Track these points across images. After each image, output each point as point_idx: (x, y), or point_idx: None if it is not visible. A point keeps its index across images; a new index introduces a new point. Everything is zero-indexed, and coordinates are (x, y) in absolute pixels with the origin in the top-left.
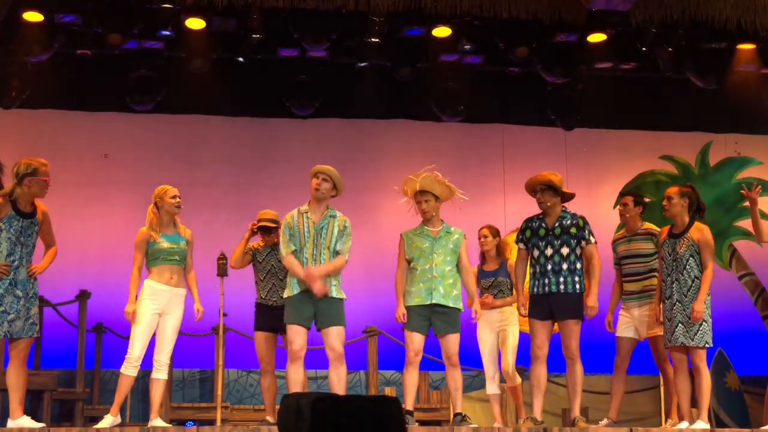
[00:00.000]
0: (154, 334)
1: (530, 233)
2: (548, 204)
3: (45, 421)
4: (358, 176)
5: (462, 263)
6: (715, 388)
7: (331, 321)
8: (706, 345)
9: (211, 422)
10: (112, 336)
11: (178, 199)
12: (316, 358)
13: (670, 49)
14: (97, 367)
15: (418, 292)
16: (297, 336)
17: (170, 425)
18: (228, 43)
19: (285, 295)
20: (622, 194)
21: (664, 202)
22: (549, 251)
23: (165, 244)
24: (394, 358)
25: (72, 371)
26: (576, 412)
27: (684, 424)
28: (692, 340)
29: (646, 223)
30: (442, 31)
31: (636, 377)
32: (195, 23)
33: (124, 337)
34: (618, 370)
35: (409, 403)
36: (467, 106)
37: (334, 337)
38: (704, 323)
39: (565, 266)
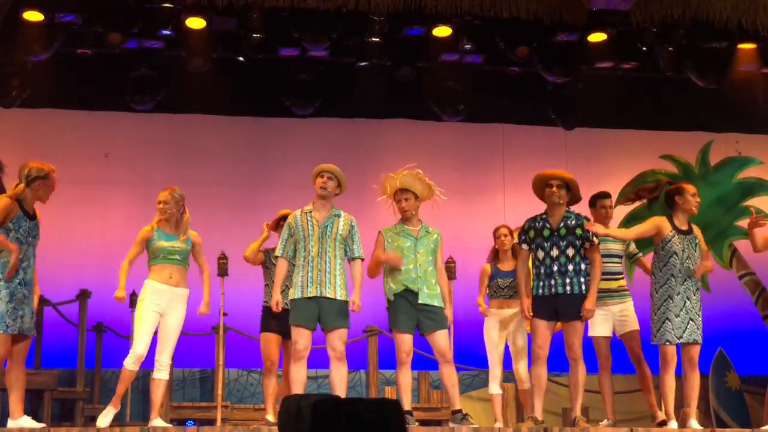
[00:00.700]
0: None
1: (534, 234)
2: (561, 202)
3: (45, 421)
4: (358, 176)
5: (438, 265)
6: (715, 387)
7: (335, 322)
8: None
9: (212, 422)
10: (112, 335)
11: (161, 205)
12: (316, 358)
13: (670, 48)
14: (97, 367)
15: (402, 292)
16: (301, 337)
17: (170, 425)
18: (228, 42)
19: (290, 297)
20: (602, 196)
21: (697, 199)
22: (555, 252)
23: (166, 243)
24: (394, 358)
25: (72, 371)
26: (577, 411)
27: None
28: (699, 337)
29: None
30: (442, 31)
31: (632, 376)
32: (195, 23)
33: (125, 337)
34: (604, 370)
35: (406, 404)
36: (467, 105)
37: (337, 338)
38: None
39: (570, 267)
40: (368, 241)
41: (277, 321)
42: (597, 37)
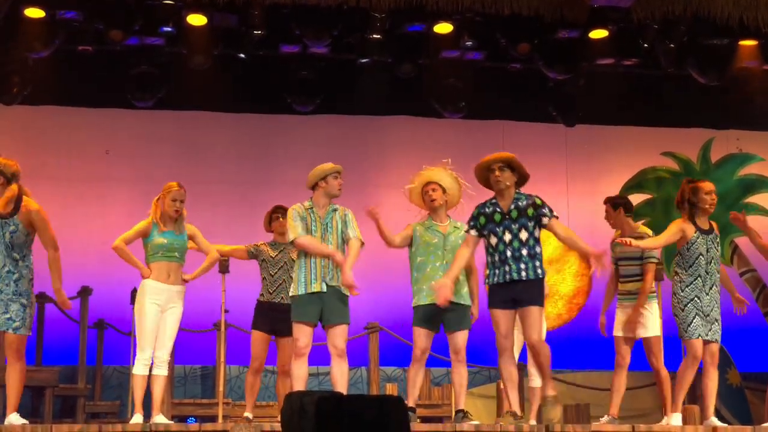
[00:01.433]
0: None
1: (485, 219)
2: (507, 184)
3: (46, 418)
4: (359, 172)
5: (468, 263)
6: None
7: (336, 319)
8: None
9: (213, 418)
10: (113, 332)
11: (177, 204)
12: (316, 355)
13: (671, 45)
14: (98, 364)
15: (428, 290)
16: (303, 334)
17: (171, 422)
18: (229, 39)
19: (291, 293)
20: (605, 201)
21: (714, 197)
22: (507, 237)
23: (165, 240)
24: (395, 355)
25: (74, 367)
26: (549, 389)
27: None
28: (720, 337)
29: (641, 226)
30: (443, 28)
31: (637, 374)
32: (196, 19)
33: (126, 333)
34: (619, 369)
35: (411, 400)
36: (468, 102)
37: (338, 335)
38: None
39: (525, 252)
40: (370, 237)
41: (268, 318)
42: (598, 33)
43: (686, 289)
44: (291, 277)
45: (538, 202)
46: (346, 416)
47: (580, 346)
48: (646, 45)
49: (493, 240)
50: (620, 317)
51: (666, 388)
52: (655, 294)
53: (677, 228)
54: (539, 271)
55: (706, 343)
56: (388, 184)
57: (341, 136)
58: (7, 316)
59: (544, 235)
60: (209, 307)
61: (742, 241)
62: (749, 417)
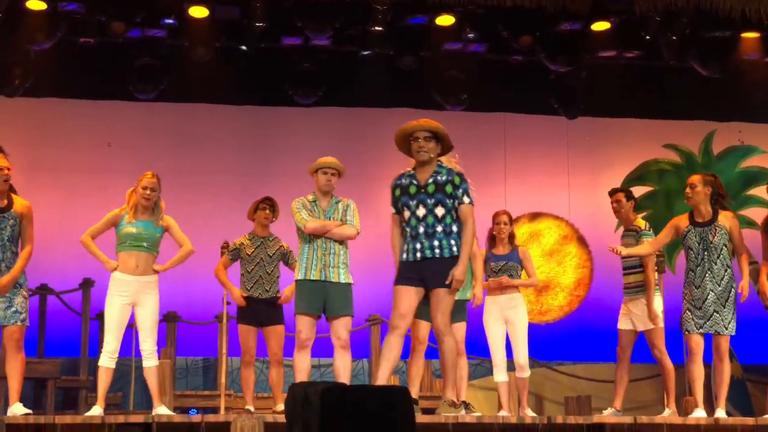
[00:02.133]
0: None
1: (400, 192)
2: (431, 156)
3: (49, 409)
4: (360, 165)
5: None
6: None
7: (340, 310)
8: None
9: (215, 410)
10: None
11: (148, 192)
12: (318, 347)
13: (674, 37)
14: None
15: None
16: (305, 326)
17: (173, 413)
18: (231, 31)
19: (297, 278)
20: (613, 192)
21: (687, 190)
22: (421, 211)
23: (134, 230)
24: None
25: (75, 359)
26: (446, 393)
27: (701, 412)
28: (726, 329)
29: (638, 219)
30: (445, 20)
31: (639, 366)
32: (198, 12)
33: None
34: (621, 362)
35: (413, 392)
36: (470, 94)
37: (342, 326)
38: (735, 313)
39: (439, 228)
40: (370, 229)
41: (250, 311)
42: (600, 25)
43: (684, 282)
44: (267, 273)
45: (457, 181)
46: (350, 407)
47: (582, 338)
48: (648, 37)
49: (406, 214)
50: (623, 310)
51: (669, 380)
52: (657, 286)
53: (669, 227)
54: (455, 249)
55: (713, 336)
56: (389, 175)
57: (343, 128)
58: (13, 309)
59: (543, 226)
60: (211, 299)
61: (744, 234)
62: (750, 409)
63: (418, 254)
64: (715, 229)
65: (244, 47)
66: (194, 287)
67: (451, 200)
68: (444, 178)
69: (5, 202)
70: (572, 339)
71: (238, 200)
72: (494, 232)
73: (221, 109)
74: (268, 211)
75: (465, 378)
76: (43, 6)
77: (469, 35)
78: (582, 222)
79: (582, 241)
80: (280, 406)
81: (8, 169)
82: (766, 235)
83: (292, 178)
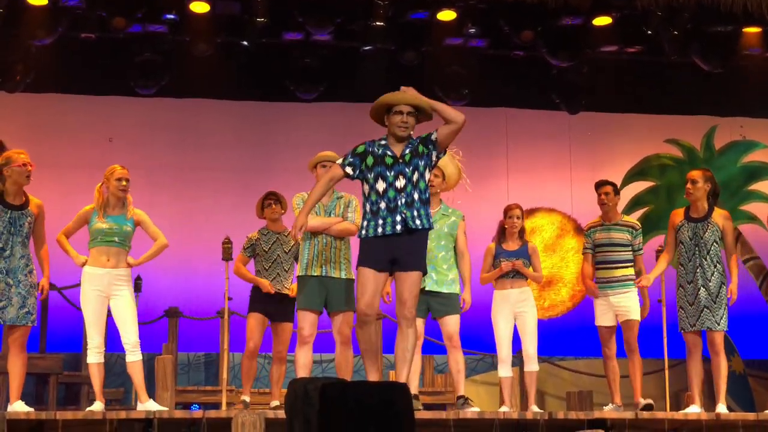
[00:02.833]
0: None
1: (373, 160)
2: (411, 132)
3: (51, 405)
4: None
5: (458, 248)
6: None
7: (342, 306)
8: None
9: (217, 405)
10: None
11: (123, 183)
12: (319, 342)
13: (675, 32)
14: None
15: None
16: (307, 322)
17: (165, 408)
18: (232, 26)
19: (298, 274)
20: (601, 184)
21: (688, 185)
22: (400, 182)
23: (104, 225)
24: None
25: (77, 354)
26: (403, 379)
27: (695, 408)
28: (718, 324)
29: (622, 214)
30: (446, 15)
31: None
32: (199, 7)
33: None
34: (609, 359)
35: (413, 387)
36: (472, 89)
37: (343, 322)
38: (726, 309)
39: (416, 196)
40: None
41: (264, 303)
42: (602, 20)
43: (677, 279)
44: (285, 270)
45: (425, 135)
46: (351, 402)
47: (583, 333)
48: (649, 32)
49: (381, 185)
50: (603, 305)
51: (633, 375)
52: (633, 282)
53: (669, 226)
54: (431, 220)
55: (707, 332)
56: None
57: (344, 123)
58: (25, 310)
59: (540, 221)
60: (213, 294)
61: (745, 229)
62: (752, 404)
63: (398, 227)
64: (708, 225)
65: (245, 43)
66: (196, 283)
67: (424, 162)
68: (416, 143)
69: (23, 199)
70: (574, 334)
71: (239, 196)
72: (506, 226)
73: (222, 105)
74: (274, 206)
75: (462, 372)
76: (45, 1)
77: (471, 30)
78: (585, 217)
79: (580, 230)
80: (275, 403)
81: (31, 165)
82: None
83: (293, 173)
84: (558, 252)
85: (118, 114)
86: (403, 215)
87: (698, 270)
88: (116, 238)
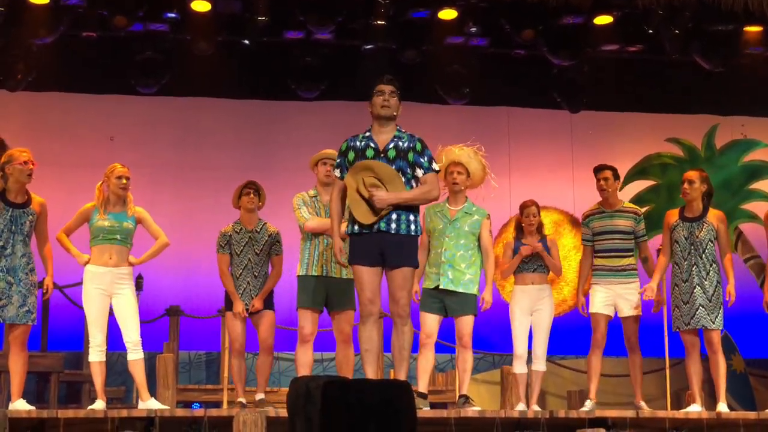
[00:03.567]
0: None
1: (354, 155)
2: (394, 113)
3: (52, 403)
4: None
5: (483, 246)
6: None
7: (342, 305)
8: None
9: (218, 404)
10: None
11: (123, 181)
12: (320, 341)
13: (676, 31)
14: None
15: (430, 274)
16: (308, 321)
17: (166, 406)
18: (233, 25)
19: (298, 273)
20: (600, 168)
21: (685, 185)
22: None
23: (105, 222)
24: None
25: (78, 353)
26: (402, 377)
27: (696, 407)
28: (713, 323)
29: (623, 201)
30: (447, 14)
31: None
32: (200, 6)
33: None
34: (597, 349)
35: (421, 386)
36: (473, 88)
37: (344, 321)
38: (722, 307)
39: None
40: None
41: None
42: (603, 19)
43: (672, 278)
44: (254, 276)
45: (419, 147)
46: (353, 401)
47: (585, 333)
48: (650, 31)
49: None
50: (603, 294)
51: (633, 373)
52: (636, 272)
53: (664, 225)
54: (413, 227)
55: (704, 331)
56: None
57: (345, 122)
58: (26, 308)
59: (542, 220)
60: (214, 293)
61: (746, 228)
62: (753, 403)
63: (375, 226)
64: (703, 225)
65: (246, 41)
66: (197, 281)
67: (413, 169)
68: (406, 144)
69: (25, 197)
70: (574, 333)
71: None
72: (522, 224)
73: (223, 104)
74: (252, 196)
75: (468, 371)
76: (46, 0)
77: (472, 29)
78: None
79: (576, 223)
80: (260, 396)
81: (33, 164)
82: None
83: (294, 172)
84: (560, 251)
85: (119, 113)
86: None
87: (694, 269)
88: (118, 236)
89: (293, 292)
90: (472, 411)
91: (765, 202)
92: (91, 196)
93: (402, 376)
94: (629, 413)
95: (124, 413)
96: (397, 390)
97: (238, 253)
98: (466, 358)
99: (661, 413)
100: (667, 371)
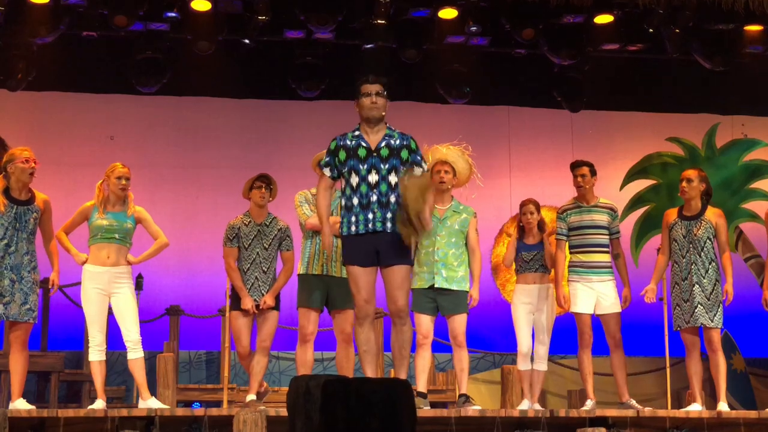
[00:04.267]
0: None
1: (346, 154)
2: (383, 113)
3: (52, 403)
4: None
5: (469, 244)
6: None
7: (342, 304)
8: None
9: (218, 403)
10: None
11: (123, 182)
12: (321, 341)
13: (677, 30)
14: None
15: (422, 274)
16: (309, 320)
17: (166, 406)
18: (234, 24)
19: (298, 272)
20: (577, 165)
21: (683, 184)
22: (373, 177)
23: (105, 222)
24: None
25: (79, 353)
26: (402, 377)
27: (696, 406)
28: (712, 321)
29: (602, 197)
30: (448, 13)
31: (642, 359)
32: (201, 5)
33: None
34: (587, 348)
35: (420, 385)
36: (473, 88)
37: (345, 320)
38: (721, 306)
39: (393, 198)
40: None
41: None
42: (603, 18)
43: (670, 278)
44: (263, 272)
45: (414, 145)
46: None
47: None
48: (651, 30)
49: (354, 180)
50: (584, 292)
51: (620, 371)
52: (612, 269)
53: (663, 225)
54: None
55: (704, 330)
56: None
57: (345, 121)
58: (27, 306)
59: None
60: (214, 292)
61: (746, 227)
62: (754, 402)
63: (370, 225)
64: (701, 223)
65: (246, 40)
66: (197, 281)
67: (406, 167)
68: (398, 142)
69: (29, 194)
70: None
71: (240, 194)
72: (522, 223)
73: (224, 103)
74: (263, 191)
75: (466, 370)
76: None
77: (472, 28)
78: None
79: None
80: (251, 397)
81: (35, 162)
82: None
83: (295, 171)
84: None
85: (119, 112)
86: (374, 214)
87: (692, 267)
88: (116, 235)
89: (293, 291)
90: (472, 410)
91: (765, 201)
92: (91, 195)
93: (402, 375)
94: (630, 412)
95: (125, 413)
96: (397, 389)
97: (246, 246)
98: (461, 357)
99: (661, 412)
100: (668, 370)
